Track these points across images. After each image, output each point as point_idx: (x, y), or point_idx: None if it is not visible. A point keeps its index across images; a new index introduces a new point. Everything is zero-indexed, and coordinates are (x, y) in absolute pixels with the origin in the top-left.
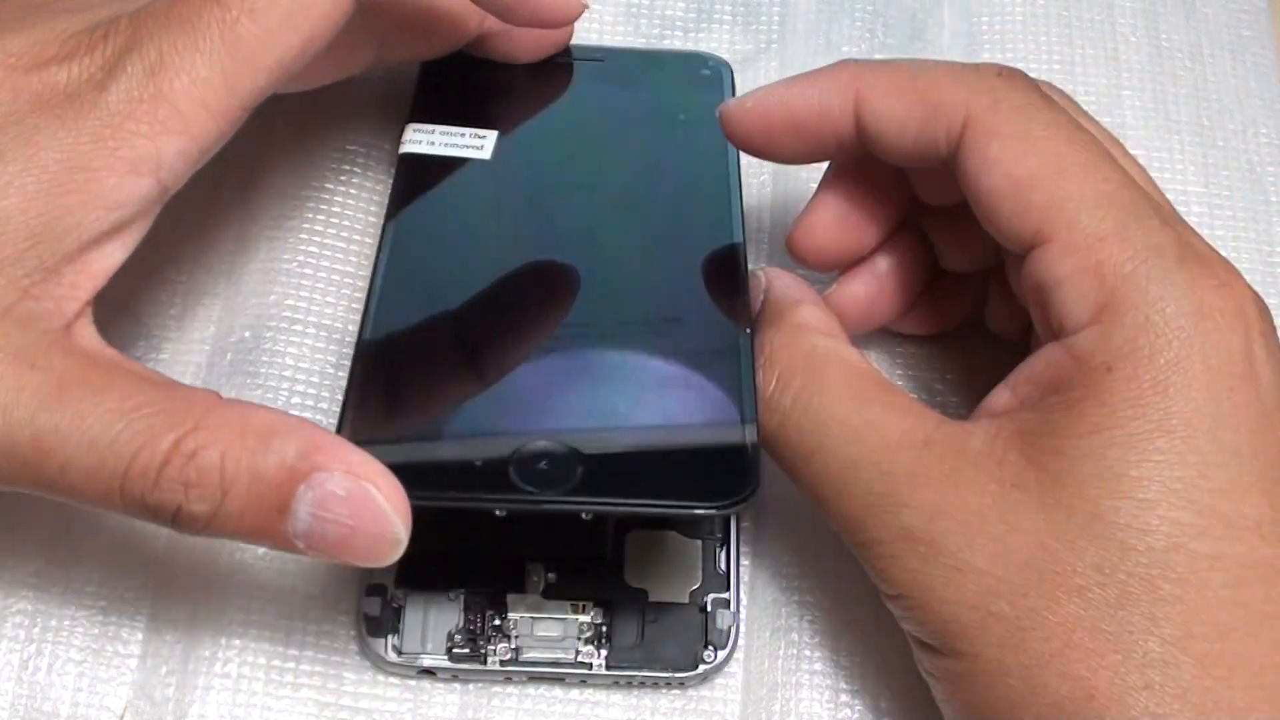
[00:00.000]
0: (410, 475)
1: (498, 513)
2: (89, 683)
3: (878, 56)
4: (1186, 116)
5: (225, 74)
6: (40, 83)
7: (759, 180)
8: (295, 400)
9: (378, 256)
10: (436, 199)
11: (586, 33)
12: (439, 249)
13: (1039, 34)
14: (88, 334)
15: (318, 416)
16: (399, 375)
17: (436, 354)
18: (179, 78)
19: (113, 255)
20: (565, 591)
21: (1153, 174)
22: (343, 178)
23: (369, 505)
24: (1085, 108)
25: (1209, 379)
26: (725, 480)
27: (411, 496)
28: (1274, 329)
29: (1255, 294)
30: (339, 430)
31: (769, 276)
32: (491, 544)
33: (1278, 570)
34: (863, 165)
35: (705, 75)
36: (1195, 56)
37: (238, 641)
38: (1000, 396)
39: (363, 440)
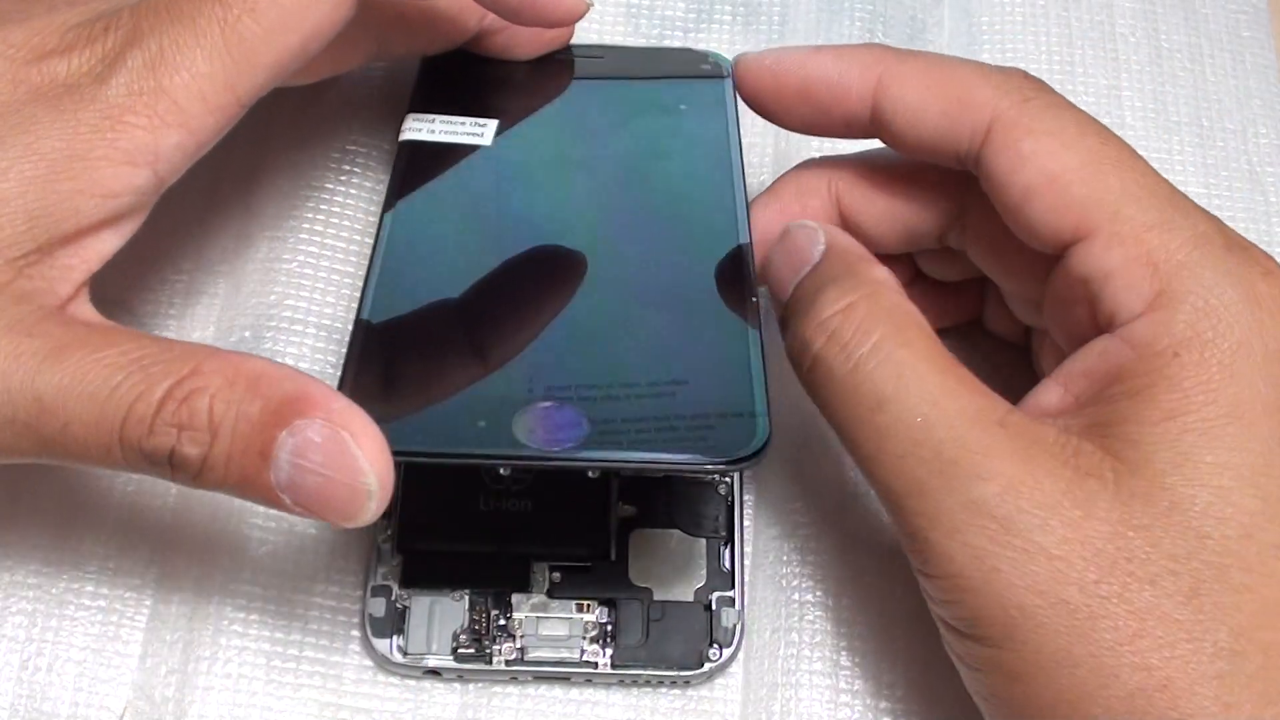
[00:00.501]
0: (414, 433)
1: (502, 471)
2: (89, 683)
3: None
4: (1186, 117)
5: (225, 71)
6: (40, 74)
7: (759, 181)
8: None
9: (378, 236)
10: (438, 184)
11: (586, 33)
12: (441, 231)
13: (1039, 34)
14: (85, 310)
15: None
16: (402, 340)
17: (441, 323)
18: (179, 73)
19: (108, 242)
20: (570, 591)
21: None
22: (343, 177)
23: (343, 454)
24: (1085, 108)
25: (1269, 365)
26: (733, 437)
27: (417, 455)
28: None
29: None
30: (339, 388)
31: (827, 231)
32: (496, 544)
33: None
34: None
35: (705, 69)
36: (1195, 57)
37: (238, 641)
38: (1050, 394)
39: (362, 398)
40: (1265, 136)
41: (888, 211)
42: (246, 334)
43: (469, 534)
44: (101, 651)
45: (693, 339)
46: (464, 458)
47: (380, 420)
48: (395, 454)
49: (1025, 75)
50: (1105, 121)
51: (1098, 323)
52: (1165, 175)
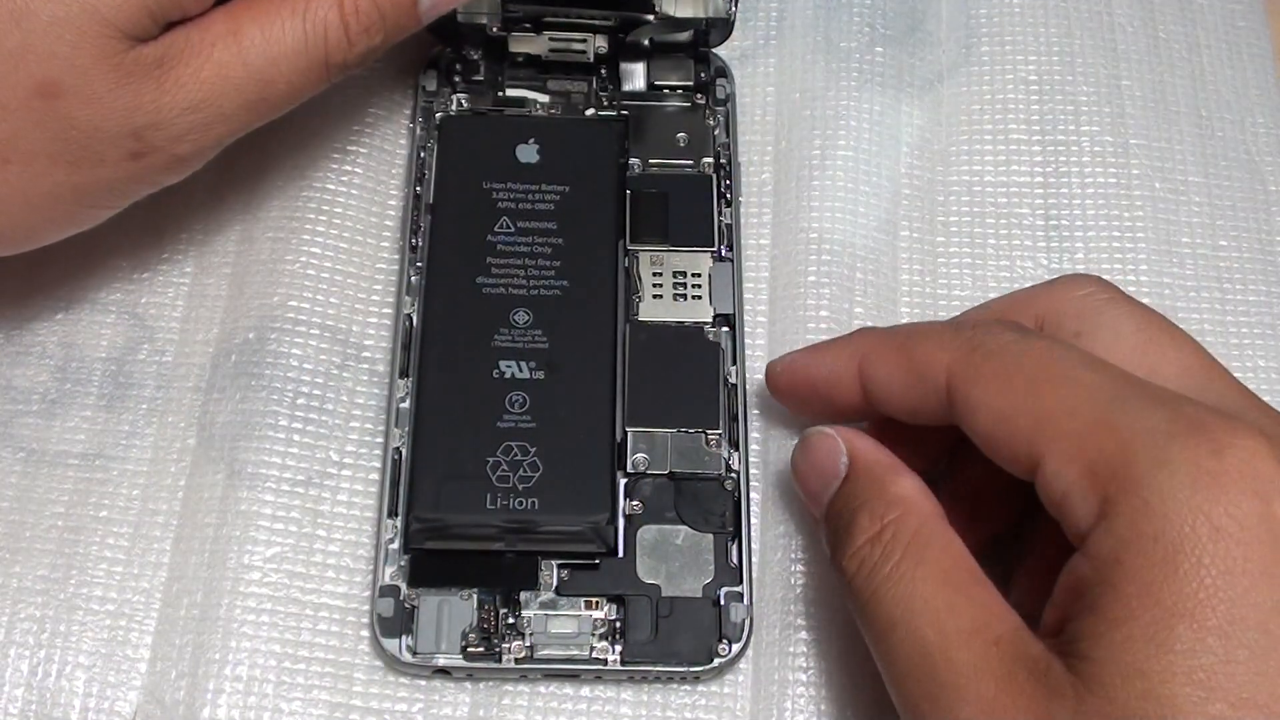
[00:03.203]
0: None
1: None
2: (99, 688)
3: (877, 49)
4: (1185, 107)
5: None
6: None
7: (760, 179)
8: (300, 401)
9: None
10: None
11: None
12: None
13: (1037, 26)
14: None
15: (323, 418)
16: None
17: None
18: None
19: None
20: (578, 588)
21: (1152, 164)
22: (344, 177)
23: None
24: (1084, 99)
25: (1221, 550)
26: None
27: None
28: None
29: (1268, 445)
30: None
31: (847, 440)
32: (503, 542)
33: None
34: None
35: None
36: (1192, 47)
37: (247, 644)
38: (1048, 614)
39: None
40: (1263, 125)
41: (894, 380)
42: (250, 335)
43: (476, 532)
44: (111, 656)
45: None
46: None
47: None
48: None
49: (975, 325)
50: (1104, 112)
51: (1073, 543)
52: (1165, 165)
